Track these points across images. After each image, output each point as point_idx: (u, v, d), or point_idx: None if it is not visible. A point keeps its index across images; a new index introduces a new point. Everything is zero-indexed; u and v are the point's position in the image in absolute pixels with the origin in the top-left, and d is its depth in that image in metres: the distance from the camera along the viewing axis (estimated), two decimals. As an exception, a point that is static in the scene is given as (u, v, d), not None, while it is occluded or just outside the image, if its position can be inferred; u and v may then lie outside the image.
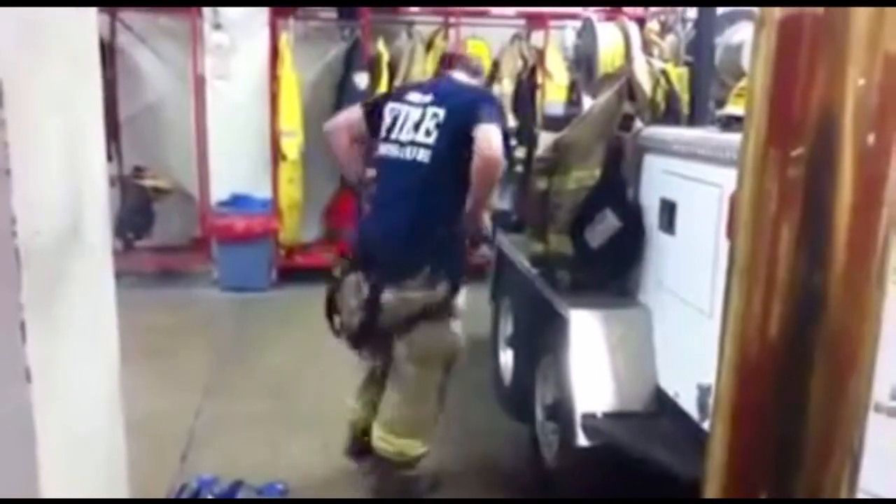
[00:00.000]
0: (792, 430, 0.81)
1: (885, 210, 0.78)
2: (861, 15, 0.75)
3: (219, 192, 6.34)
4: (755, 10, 3.34)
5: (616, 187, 3.08)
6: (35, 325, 1.26)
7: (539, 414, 3.43)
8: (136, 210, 6.31)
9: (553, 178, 3.28)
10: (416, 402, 3.12)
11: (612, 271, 3.17)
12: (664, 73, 3.21)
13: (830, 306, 0.77)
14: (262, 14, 6.14)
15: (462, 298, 3.13)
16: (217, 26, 6.09)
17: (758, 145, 0.81)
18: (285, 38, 6.20)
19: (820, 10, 0.75)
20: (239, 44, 6.16)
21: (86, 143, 1.63)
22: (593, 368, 2.88)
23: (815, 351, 0.78)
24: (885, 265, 0.80)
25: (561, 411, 3.05)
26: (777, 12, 0.78)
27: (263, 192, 6.33)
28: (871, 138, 0.76)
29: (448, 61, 3.49)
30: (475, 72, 3.41)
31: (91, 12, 1.63)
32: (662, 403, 2.84)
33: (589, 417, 2.81)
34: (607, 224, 3.04)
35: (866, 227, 0.78)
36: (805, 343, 0.78)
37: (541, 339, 3.38)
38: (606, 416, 2.83)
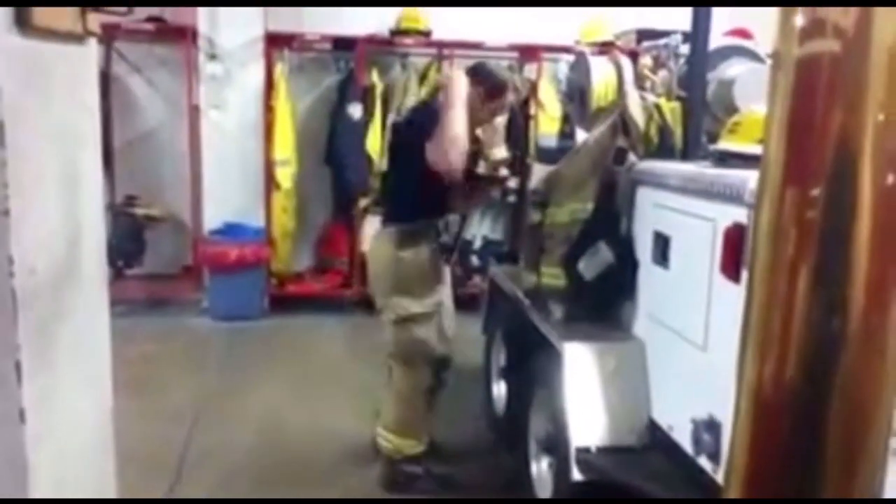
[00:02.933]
0: (810, 472, 0.79)
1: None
2: (880, 51, 0.75)
3: (212, 220, 6.33)
4: (749, 45, 3.39)
5: (610, 220, 3.10)
6: (30, 364, 1.25)
7: (532, 447, 3.42)
8: (127, 238, 6.29)
9: (547, 211, 3.30)
10: (405, 402, 3.39)
11: (606, 304, 3.17)
12: (657, 107, 3.24)
13: (848, 350, 0.76)
14: (257, 45, 6.19)
15: (420, 307, 3.30)
16: (212, 56, 6.12)
17: (775, 185, 0.80)
18: (280, 69, 6.24)
19: (837, 49, 0.76)
20: (234, 74, 6.19)
21: (84, 181, 1.63)
22: (587, 402, 2.87)
23: (832, 394, 0.77)
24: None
25: (555, 445, 3.03)
26: (794, 52, 0.78)
27: (256, 221, 6.32)
28: (890, 178, 0.76)
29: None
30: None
31: (92, 51, 1.64)
32: (656, 437, 2.83)
33: (583, 452, 2.80)
34: (601, 257, 3.05)
35: (885, 270, 0.77)
36: (822, 386, 0.77)
37: (534, 372, 3.37)
38: (600, 450, 2.82)
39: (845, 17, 0.76)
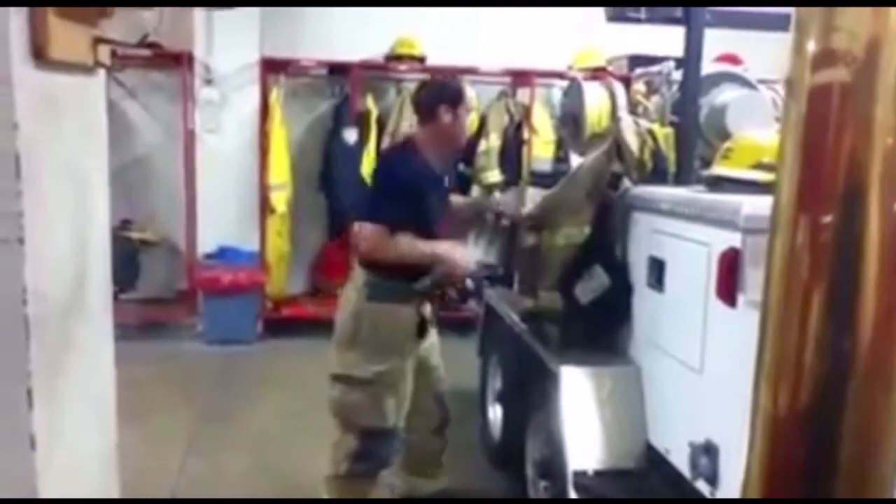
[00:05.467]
0: (824, 487, 0.81)
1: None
2: (888, 76, 0.77)
3: (206, 244, 6.34)
4: (739, 71, 3.44)
5: (605, 245, 3.13)
6: (40, 392, 1.26)
7: (529, 471, 3.42)
8: (121, 262, 6.27)
9: (543, 234, 3.32)
10: (332, 460, 3.15)
11: (602, 327, 3.19)
12: (651, 132, 3.28)
13: (858, 372, 0.78)
14: (252, 70, 6.24)
15: (360, 371, 3.05)
16: (208, 81, 6.17)
17: (788, 211, 0.82)
18: (275, 94, 6.28)
19: (847, 77, 0.78)
20: (229, 99, 6.23)
21: (92, 210, 1.65)
22: (584, 425, 2.88)
23: (843, 416, 0.79)
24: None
25: (552, 469, 3.04)
26: (807, 81, 0.80)
27: (251, 245, 6.33)
28: None
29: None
30: (424, 113, 3.21)
31: (101, 81, 1.67)
32: (653, 461, 2.84)
33: (580, 475, 2.81)
34: (597, 281, 3.07)
35: (892, 294, 0.79)
36: (834, 408, 0.79)
37: (530, 395, 3.38)
38: (598, 473, 2.82)
39: (855, 45, 0.79)
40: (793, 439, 0.82)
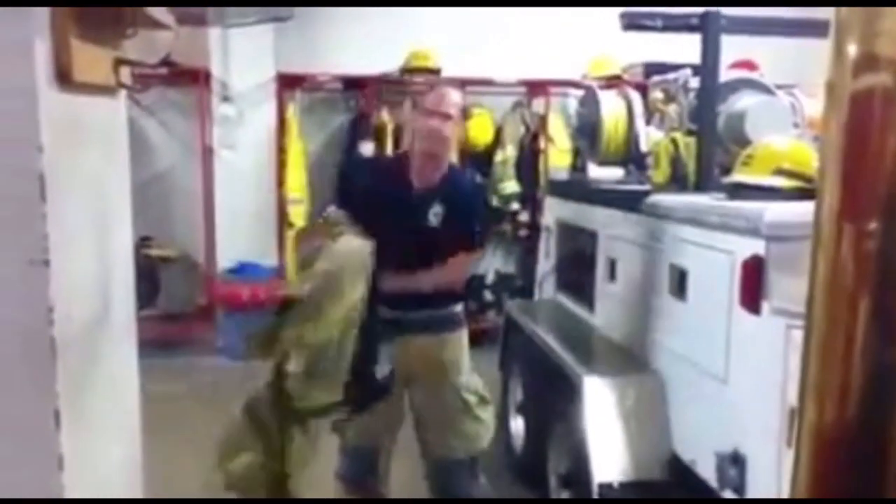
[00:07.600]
0: (871, 494, 0.79)
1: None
2: None
3: (225, 259, 6.37)
4: (758, 78, 3.41)
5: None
6: (67, 411, 1.26)
7: (552, 483, 3.39)
8: (141, 279, 6.29)
9: None
10: None
11: None
12: (673, 140, 3.26)
13: None
14: (268, 86, 6.29)
15: None
16: (225, 98, 6.22)
17: (831, 220, 0.81)
18: (291, 109, 6.32)
19: (890, 83, 0.77)
20: (246, 115, 6.28)
21: (115, 230, 1.67)
22: (608, 437, 2.86)
23: (891, 422, 0.77)
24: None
25: (576, 481, 3.01)
26: (848, 86, 0.79)
27: (270, 259, 6.36)
28: None
29: None
30: None
31: (122, 102, 1.69)
32: (679, 472, 2.81)
33: (606, 487, 2.78)
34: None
35: None
36: (882, 419, 0.77)
37: (552, 407, 3.36)
38: (623, 485, 2.80)
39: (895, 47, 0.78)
40: (839, 451, 0.81)
